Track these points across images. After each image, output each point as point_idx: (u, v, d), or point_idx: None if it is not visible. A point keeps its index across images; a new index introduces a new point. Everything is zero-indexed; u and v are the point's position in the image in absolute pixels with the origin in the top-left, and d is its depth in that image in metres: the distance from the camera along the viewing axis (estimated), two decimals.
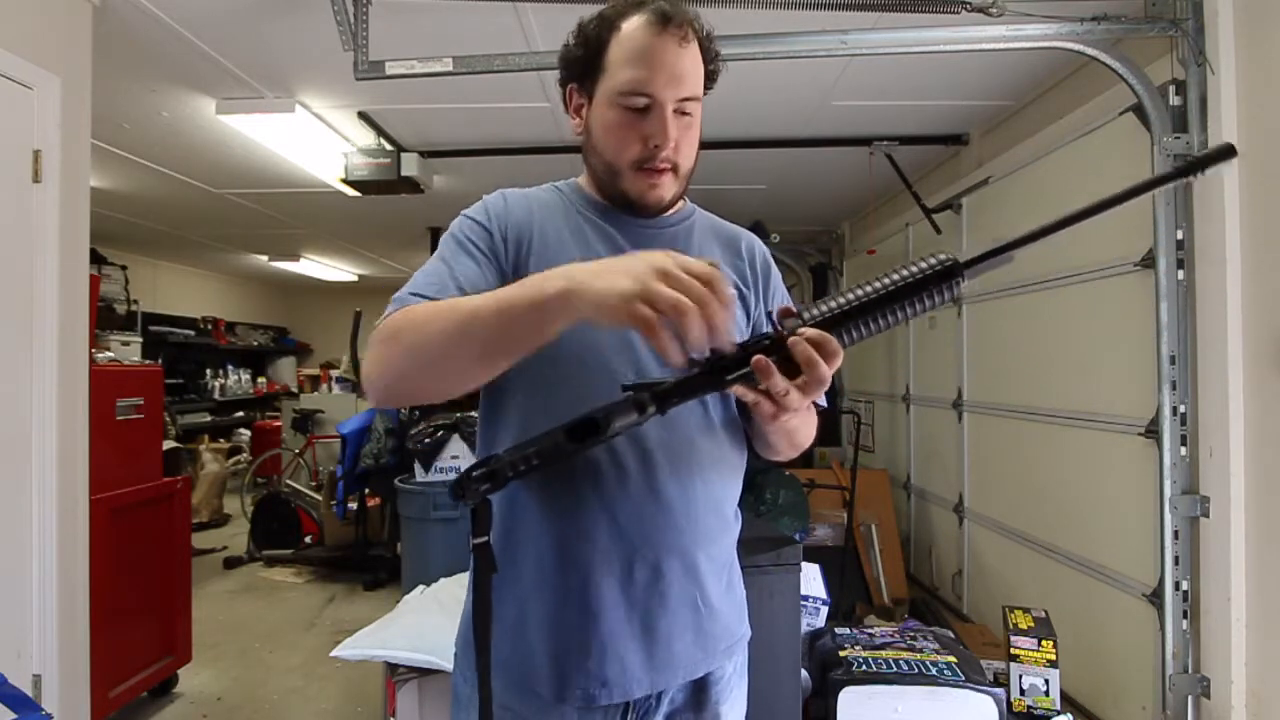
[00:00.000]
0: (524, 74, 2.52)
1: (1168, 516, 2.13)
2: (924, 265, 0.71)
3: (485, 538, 0.80)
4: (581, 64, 0.97)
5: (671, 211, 1.04)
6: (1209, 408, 2.07)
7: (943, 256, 0.71)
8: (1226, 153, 0.70)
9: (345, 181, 3.70)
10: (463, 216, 0.99)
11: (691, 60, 0.93)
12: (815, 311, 0.73)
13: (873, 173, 3.87)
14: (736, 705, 1.03)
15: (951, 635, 2.27)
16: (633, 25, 0.92)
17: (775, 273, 1.10)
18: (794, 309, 0.74)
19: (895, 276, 0.72)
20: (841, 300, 0.72)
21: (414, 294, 0.88)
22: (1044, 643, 2.06)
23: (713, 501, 0.97)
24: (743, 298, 1.03)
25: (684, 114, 0.94)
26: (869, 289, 0.72)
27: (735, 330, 0.77)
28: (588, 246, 0.97)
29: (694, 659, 0.95)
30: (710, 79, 0.99)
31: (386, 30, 2.33)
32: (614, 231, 1.00)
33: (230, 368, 8.58)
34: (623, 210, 1.00)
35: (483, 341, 0.78)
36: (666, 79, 0.91)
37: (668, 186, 0.97)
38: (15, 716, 1.46)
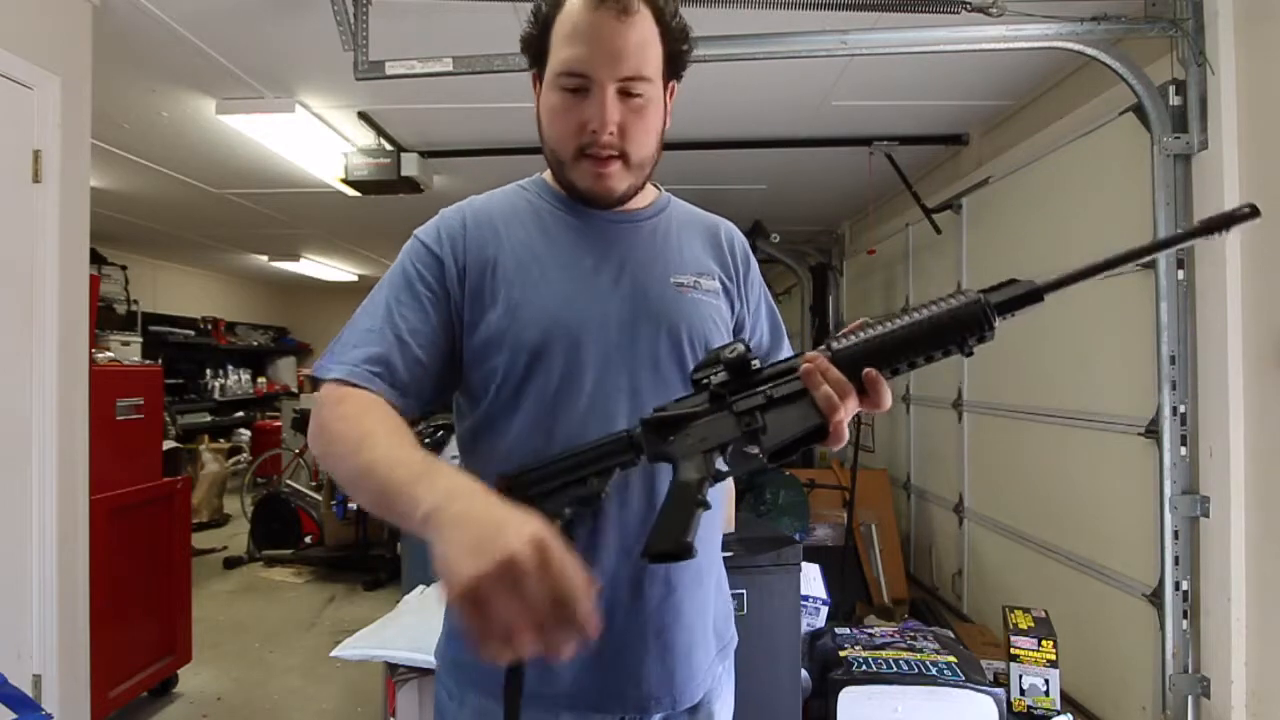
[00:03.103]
0: (524, 74, 2.52)
1: (1168, 516, 2.13)
2: (955, 304, 0.70)
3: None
4: (534, 45, 0.91)
5: (644, 204, 0.99)
6: (1209, 408, 2.07)
7: (975, 297, 0.69)
8: (1251, 214, 0.71)
9: (345, 181, 3.70)
10: (415, 240, 0.93)
11: (637, 36, 0.84)
12: (843, 343, 0.72)
13: (873, 173, 3.87)
14: (727, 704, 1.03)
15: (951, 635, 2.27)
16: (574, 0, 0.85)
17: (754, 262, 1.06)
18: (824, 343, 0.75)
19: (924, 314, 0.70)
20: (868, 334, 0.72)
21: (354, 359, 0.83)
22: (1044, 643, 2.06)
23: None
24: (726, 292, 0.99)
25: (630, 95, 0.85)
26: (894, 325, 0.71)
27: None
28: (562, 248, 0.92)
29: (704, 669, 0.94)
30: (676, 60, 0.90)
31: (386, 30, 2.33)
32: (586, 228, 0.94)
33: (230, 368, 8.58)
34: (581, 203, 0.94)
35: (368, 501, 0.74)
36: (604, 56, 0.83)
37: (617, 177, 0.89)
38: (15, 716, 1.46)
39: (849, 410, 0.72)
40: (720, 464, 0.76)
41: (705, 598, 0.95)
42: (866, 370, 0.70)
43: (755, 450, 0.75)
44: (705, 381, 0.77)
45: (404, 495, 0.66)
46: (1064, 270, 0.70)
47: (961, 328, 0.69)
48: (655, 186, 1.02)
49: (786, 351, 1.07)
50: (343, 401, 0.81)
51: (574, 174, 0.90)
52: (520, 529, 0.57)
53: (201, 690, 3.16)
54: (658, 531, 0.72)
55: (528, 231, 0.93)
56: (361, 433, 0.76)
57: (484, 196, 0.98)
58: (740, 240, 1.05)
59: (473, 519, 0.59)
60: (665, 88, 0.91)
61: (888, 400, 0.72)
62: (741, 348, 0.76)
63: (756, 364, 0.77)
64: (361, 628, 2.02)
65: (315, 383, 0.88)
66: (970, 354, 0.70)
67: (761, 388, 0.75)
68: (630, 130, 0.87)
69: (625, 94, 0.85)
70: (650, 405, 0.86)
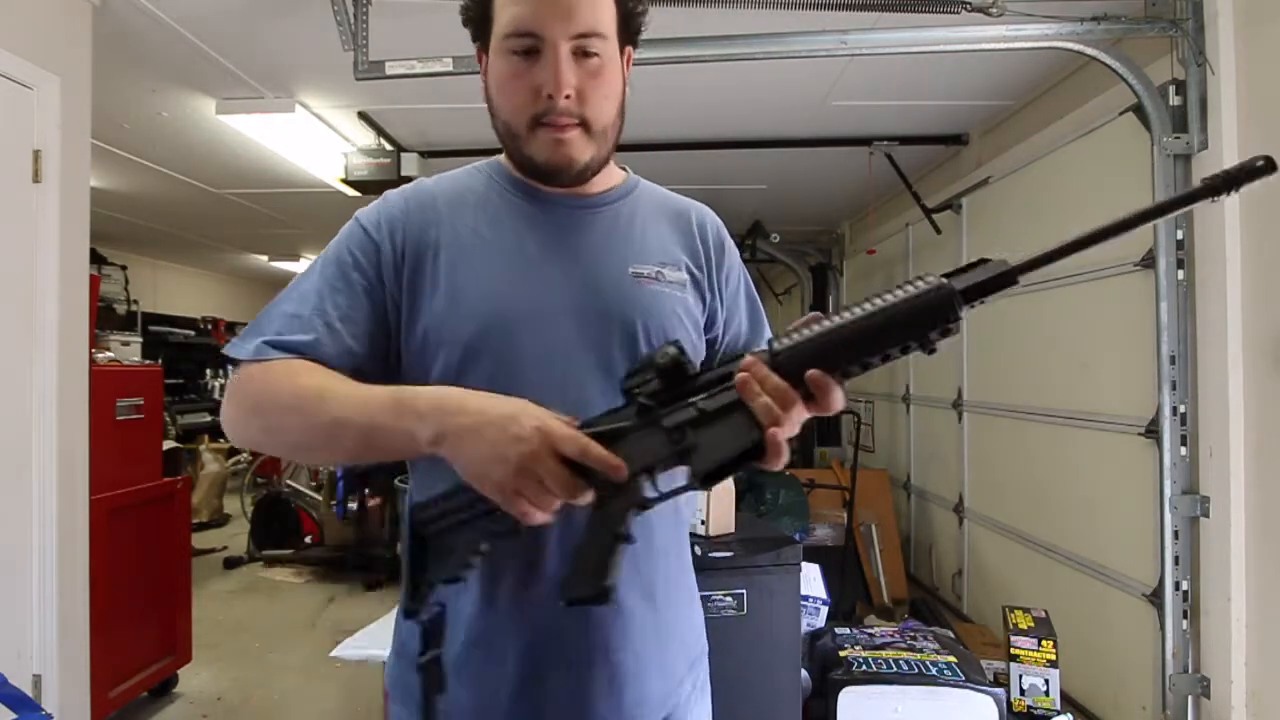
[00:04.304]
0: None
1: (1168, 516, 2.13)
2: (917, 290, 0.60)
3: (438, 651, 0.74)
4: (475, 11, 0.83)
5: (607, 187, 0.90)
6: (1209, 408, 2.07)
7: (936, 281, 0.59)
8: (1267, 168, 0.53)
9: (345, 181, 3.70)
10: (354, 222, 0.86)
11: None
12: (787, 342, 0.63)
13: (873, 173, 3.87)
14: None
15: (951, 635, 2.27)
16: None
17: (731, 248, 0.96)
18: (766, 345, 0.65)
19: (880, 303, 0.60)
20: (819, 329, 0.62)
21: (276, 341, 0.78)
22: (1044, 643, 2.05)
23: (667, 514, 0.84)
24: (696, 283, 0.90)
25: (586, 54, 0.78)
26: (848, 317, 0.61)
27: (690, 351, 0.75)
28: (508, 234, 0.85)
29: (663, 693, 0.86)
30: (630, 22, 0.83)
31: (386, 30, 2.33)
32: (539, 213, 0.86)
33: (230, 368, 8.57)
34: (540, 180, 0.85)
35: (349, 452, 0.74)
36: (554, 11, 0.76)
37: (578, 145, 0.81)
38: (15, 716, 1.46)
39: (793, 421, 0.63)
40: (650, 489, 0.67)
41: (663, 617, 0.86)
42: (810, 372, 0.61)
43: (686, 473, 0.66)
44: (635, 391, 0.68)
45: (396, 431, 0.69)
46: (1043, 247, 0.58)
47: (923, 320, 0.59)
48: (623, 169, 0.94)
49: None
50: (270, 371, 0.76)
51: (531, 146, 0.82)
52: (523, 426, 0.64)
53: (201, 690, 3.16)
54: (574, 573, 0.66)
55: (474, 216, 0.85)
56: (318, 388, 0.73)
57: (434, 178, 0.91)
58: (714, 225, 0.95)
59: (479, 428, 0.65)
60: (621, 52, 0.84)
61: (838, 403, 0.64)
62: (674, 351, 0.67)
63: (698, 367, 0.69)
64: (361, 628, 2.02)
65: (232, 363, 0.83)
66: (933, 351, 0.60)
67: (694, 399, 0.65)
68: (589, 94, 0.80)
69: (580, 54, 0.78)
70: (600, 411, 0.80)
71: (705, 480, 0.65)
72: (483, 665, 0.81)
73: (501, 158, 0.90)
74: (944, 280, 0.59)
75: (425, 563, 0.74)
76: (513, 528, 0.69)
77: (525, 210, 0.86)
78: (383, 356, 0.83)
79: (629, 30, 0.84)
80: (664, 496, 0.68)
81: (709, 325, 0.92)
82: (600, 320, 0.82)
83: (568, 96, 0.78)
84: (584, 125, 0.81)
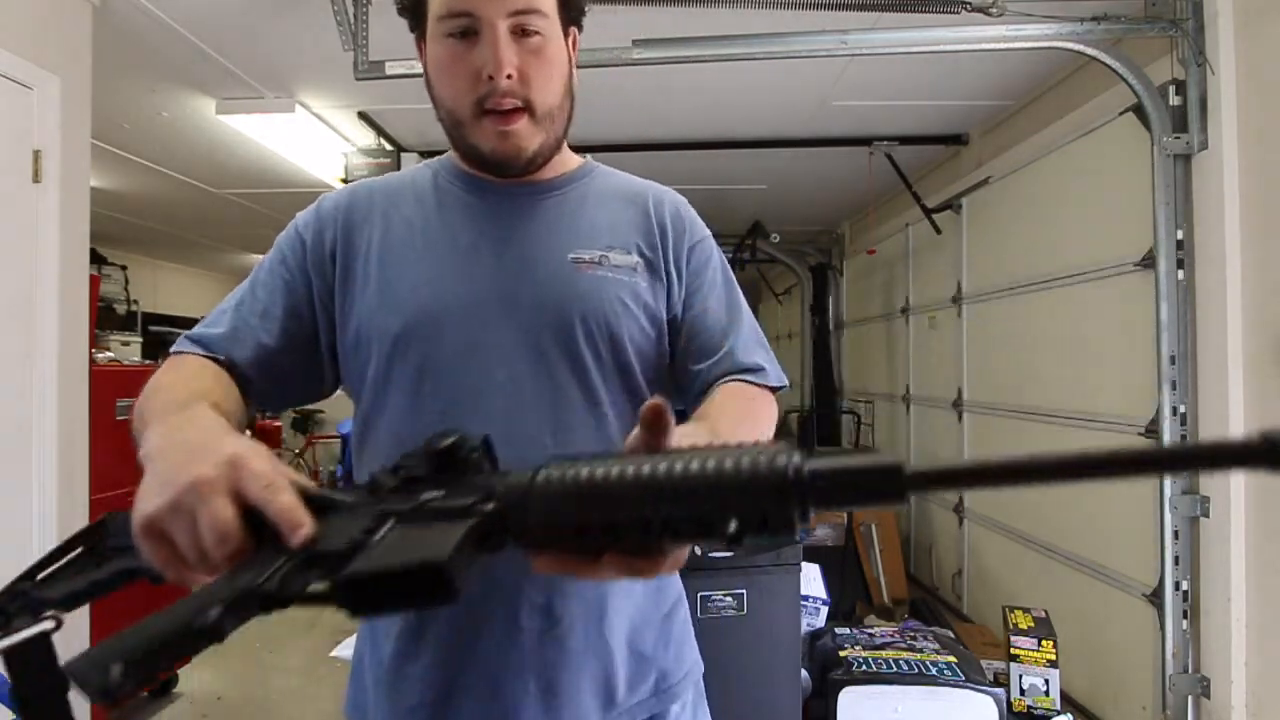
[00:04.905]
0: None
1: (1168, 516, 2.13)
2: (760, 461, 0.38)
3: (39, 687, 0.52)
4: (411, 3, 0.80)
5: (557, 173, 0.86)
6: (1209, 408, 2.07)
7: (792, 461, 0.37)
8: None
9: (345, 181, 3.70)
10: (294, 219, 0.87)
11: None
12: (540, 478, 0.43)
13: (873, 173, 3.87)
14: None
15: (951, 635, 2.27)
16: None
17: (696, 226, 0.88)
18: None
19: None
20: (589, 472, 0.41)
21: (193, 335, 0.81)
22: (1044, 643, 2.06)
23: None
24: (650, 266, 0.84)
25: (527, 33, 0.75)
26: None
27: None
28: (441, 226, 0.82)
29: (608, 712, 0.79)
30: (571, 1, 0.80)
31: (386, 30, 2.33)
32: (479, 203, 0.83)
33: None
34: (488, 171, 0.82)
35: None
36: None
37: (525, 134, 0.77)
38: (15, 717, 1.46)
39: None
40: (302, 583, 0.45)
41: (609, 630, 0.79)
42: (540, 560, 0.44)
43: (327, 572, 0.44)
44: (397, 471, 0.49)
45: (141, 438, 0.56)
46: (954, 461, 0.39)
47: (729, 501, 0.37)
48: (582, 157, 0.90)
49: (745, 332, 0.86)
50: (166, 366, 0.76)
51: (476, 136, 0.78)
52: (216, 453, 0.48)
53: (201, 690, 3.16)
54: (108, 645, 0.37)
55: (411, 209, 0.83)
56: (154, 386, 0.70)
57: (383, 177, 0.90)
58: (673, 205, 0.88)
59: (174, 450, 0.51)
60: (565, 34, 0.81)
61: (606, 576, 0.44)
62: (454, 439, 0.47)
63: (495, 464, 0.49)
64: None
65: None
66: (732, 544, 0.39)
67: (433, 494, 0.46)
68: (532, 75, 0.75)
69: (520, 32, 0.75)
70: (534, 406, 0.75)
71: (347, 589, 0.41)
72: (399, 679, 0.77)
73: (451, 152, 0.86)
74: (798, 457, 0.37)
75: (64, 571, 0.60)
76: (151, 571, 0.51)
77: (465, 201, 0.83)
78: (304, 351, 0.82)
79: (570, 11, 0.80)
80: (295, 598, 0.44)
81: (668, 303, 0.85)
82: (532, 309, 0.78)
83: (509, 77, 0.74)
84: (529, 109, 0.77)
